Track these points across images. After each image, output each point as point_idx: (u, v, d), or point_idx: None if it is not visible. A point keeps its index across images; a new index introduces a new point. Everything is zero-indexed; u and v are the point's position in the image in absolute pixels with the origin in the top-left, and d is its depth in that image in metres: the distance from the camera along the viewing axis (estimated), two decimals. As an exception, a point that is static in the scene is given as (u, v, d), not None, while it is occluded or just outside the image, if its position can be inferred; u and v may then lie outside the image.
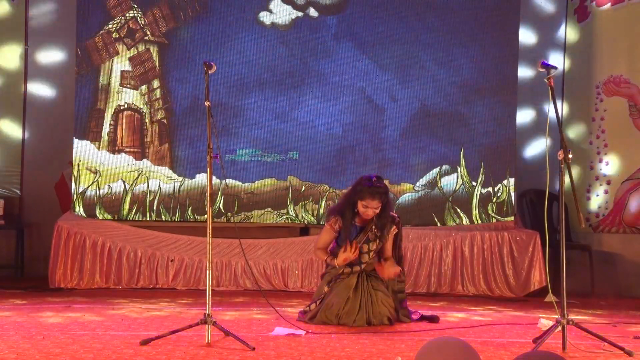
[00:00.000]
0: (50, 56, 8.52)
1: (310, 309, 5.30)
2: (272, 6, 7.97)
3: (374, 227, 5.29)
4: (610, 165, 8.21)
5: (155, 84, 7.94)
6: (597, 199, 8.28)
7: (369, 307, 5.15)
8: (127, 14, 7.92)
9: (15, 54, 8.38)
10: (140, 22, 7.91)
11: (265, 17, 7.94)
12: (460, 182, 7.97)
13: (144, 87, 7.92)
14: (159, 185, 7.86)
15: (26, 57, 8.40)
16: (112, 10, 7.90)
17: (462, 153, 7.97)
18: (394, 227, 5.35)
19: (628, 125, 8.14)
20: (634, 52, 8.17)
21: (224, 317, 5.36)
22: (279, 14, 7.95)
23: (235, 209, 7.83)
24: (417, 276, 7.56)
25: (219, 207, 7.79)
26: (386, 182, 7.81)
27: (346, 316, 5.12)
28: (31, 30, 8.43)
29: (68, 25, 8.20)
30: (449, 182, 7.97)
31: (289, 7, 7.94)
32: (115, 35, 7.91)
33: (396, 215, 5.44)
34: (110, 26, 7.90)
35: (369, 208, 5.20)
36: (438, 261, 7.62)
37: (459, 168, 7.98)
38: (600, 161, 8.28)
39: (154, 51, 7.95)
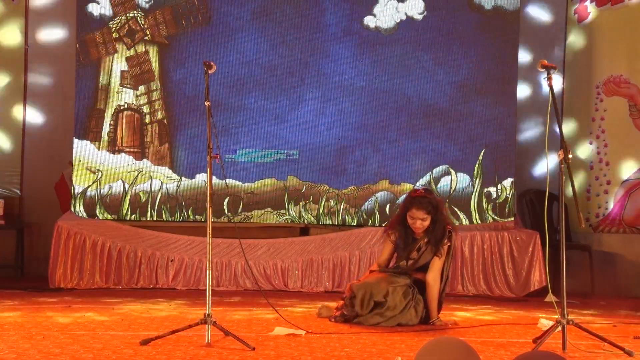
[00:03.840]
0: (51, 55, 8.51)
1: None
2: (376, 10, 7.97)
3: (425, 241, 5.30)
4: (610, 165, 8.21)
5: (155, 84, 7.94)
6: (597, 199, 8.28)
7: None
8: (128, 14, 7.91)
9: (16, 49, 8.37)
10: (140, 23, 7.91)
11: (370, 21, 7.94)
12: (460, 182, 7.96)
13: (143, 87, 7.92)
14: (159, 185, 7.86)
15: (26, 56, 8.39)
16: (114, 8, 7.90)
17: (462, 153, 7.97)
18: (447, 240, 5.29)
19: (628, 125, 8.14)
20: (633, 52, 8.17)
21: (224, 317, 5.36)
22: (383, 18, 7.95)
23: (240, 209, 7.82)
24: (417, 276, 7.56)
25: (220, 207, 7.79)
26: (386, 182, 7.93)
27: (392, 306, 5.17)
28: (31, 27, 8.42)
29: (68, 23, 8.21)
30: (449, 182, 7.97)
31: (392, 11, 7.93)
32: (115, 35, 7.91)
33: (450, 227, 5.33)
34: (111, 25, 7.89)
35: (415, 219, 5.22)
36: (438, 261, 7.62)
37: (458, 168, 7.97)
38: (600, 161, 8.28)
39: (154, 51, 7.94)
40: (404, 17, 7.97)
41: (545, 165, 8.48)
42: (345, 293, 5.39)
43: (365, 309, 5.19)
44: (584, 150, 8.38)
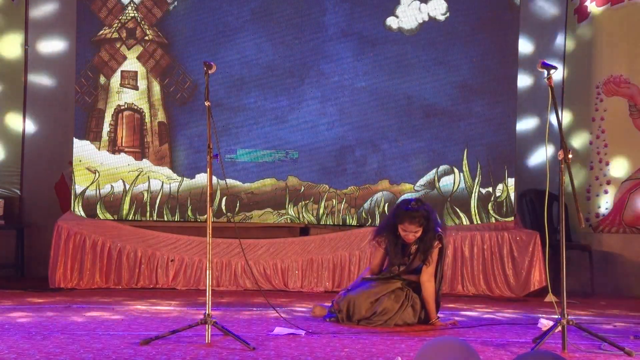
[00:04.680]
0: (51, 53, 8.50)
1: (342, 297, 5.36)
2: (398, 11, 7.97)
3: (415, 247, 5.28)
4: (610, 165, 8.21)
5: (156, 84, 7.94)
6: (597, 199, 8.28)
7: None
8: (127, 14, 7.90)
9: (15, 48, 8.36)
10: (141, 25, 7.90)
11: (392, 22, 7.94)
12: (460, 182, 7.96)
13: (143, 87, 7.92)
14: (159, 185, 7.86)
15: (26, 56, 8.39)
16: (114, 7, 7.90)
17: (462, 153, 7.97)
18: (437, 242, 5.28)
19: (628, 125, 8.14)
20: (633, 52, 8.17)
21: (224, 317, 5.36)
22: (406, 19, 7.95)
23: (237, 209, 7.83)
24: (417, 276, 7.56)
25: (219, 207, 7.79)
26: (386, 182, 7.93)
27: (383, 312, 5.16)
28: (31, 26, 8.41)
29: (69, 22, 8.21)
30: (449, 182, 7.97)
31: (415, 12, 7.92)
32: (116, 35, 7.90)
33: (439, 230, 5.31)
34: (122, 17, 7.87)
35: (408, 232, 5.20)
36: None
37: (459, 168, 7.97)
38: (600, 161, 8.28)
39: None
40: (426, 18, 7.97)
41: (543, 157, 8.49)
42: (334, 305, 5.38)
43: (353, 322, 5.20)
44: (584, 150, 8.38)
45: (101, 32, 7.88)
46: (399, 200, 5.57)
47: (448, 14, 7.97)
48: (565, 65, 8.55)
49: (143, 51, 7.90)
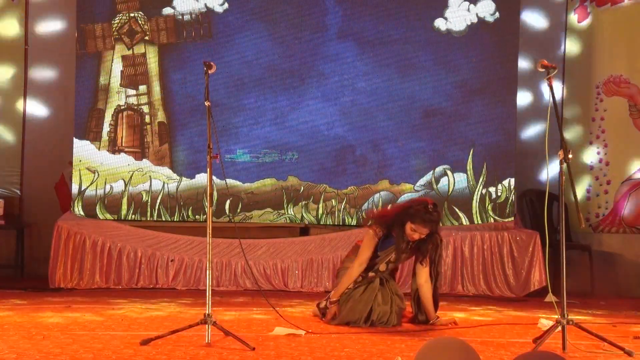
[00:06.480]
0: (51, 49, 8.50)
1: (329, 307, 5.32)
2: (447, 14, 7.97)
3: (411, 244, 5.25)
4: (610, 165, 8.21)
5: (156, 84, 7.94)
6: (597, 199, 8.28)
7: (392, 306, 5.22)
8: (131, 14, 7.90)
9: (14, 28, 8.36)
10: (140, 22, 7.90)
11: (440, 24, 7.95)
12: (460, 182, 7.96)
13: (143, 87, 7.92)
14: (159, 185, 7.86)
15: (26, 52, 8.38)
16: (118, 5, 7.89)
17: (462, 153, 7.97)
18: (431, 243, 5.26)
19: (628, 125, 8.14)
20: (634, 52, 8.17)
21: (224, 317, 5.36)
22: (454, 21, 7.96)
23: (239, 209, 7.83)
24: (417, 276, 7.55)
25: (217, 207, 7.79)
26: (386, 182, 7.93)
27: (380, 318, 5.16)
28: (31, 20, 8.43)
29: (68, 14, 8.22)
30: (449, 182, 7.96)
31: (463, 13, 7.94)
32: (116, 35, 7.90)
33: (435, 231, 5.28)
34: (112, 23, 7.88)
35: (416, 233, 5.16)
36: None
37: (459, 168, 7.97)
38: (600, 161, 8.28)
39: (154, 51, 7.94)
40: (475, 20, 7.97)
41: (552, 171, 8.46)
42: (327, 314, 5.36)
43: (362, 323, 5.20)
44: (584, 150, 8.38)
45: (101, 32, 7.88)
46: (413, 198, 5.57)
47: (497, 14, 7.96)
48: (564, 69, 8.46)
49: (153, 32, 7.88)
